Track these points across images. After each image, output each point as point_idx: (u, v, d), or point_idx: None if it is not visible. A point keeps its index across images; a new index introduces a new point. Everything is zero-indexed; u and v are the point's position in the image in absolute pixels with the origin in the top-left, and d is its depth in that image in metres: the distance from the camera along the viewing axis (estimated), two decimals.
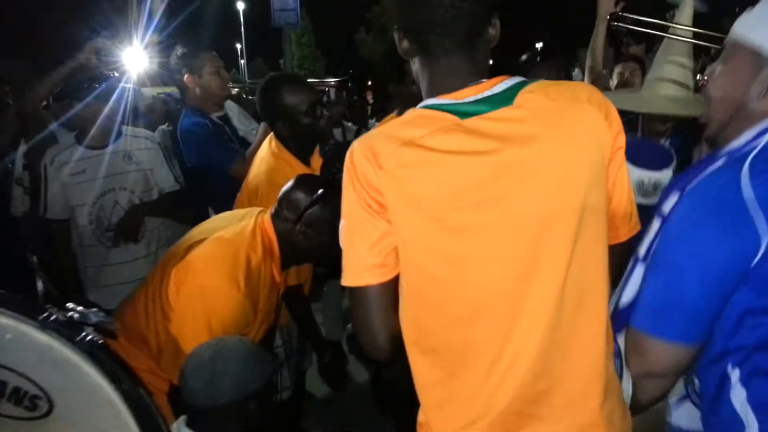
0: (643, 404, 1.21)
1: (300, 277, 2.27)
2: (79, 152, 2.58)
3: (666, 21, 2.50)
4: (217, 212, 2.32)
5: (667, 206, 1.17)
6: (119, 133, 2.65)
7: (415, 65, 1.17)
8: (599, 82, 2.69)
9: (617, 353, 1.19)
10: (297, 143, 2.43)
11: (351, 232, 1.12)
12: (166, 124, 3.45)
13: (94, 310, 0.97)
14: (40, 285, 3.01)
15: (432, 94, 1.12)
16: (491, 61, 1.21)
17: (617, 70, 3.50)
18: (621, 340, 1.20)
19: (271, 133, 2.49)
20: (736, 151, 1.13)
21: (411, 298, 1.11)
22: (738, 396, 1.08)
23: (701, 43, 2.32)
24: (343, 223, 1.13)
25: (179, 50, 3.11)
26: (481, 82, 1.10)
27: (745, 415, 1.06)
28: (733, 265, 1.05)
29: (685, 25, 2.33)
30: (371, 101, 4.55)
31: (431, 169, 1.06)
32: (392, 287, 1.12)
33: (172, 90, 3.96)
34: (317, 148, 2.59)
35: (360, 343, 1.18)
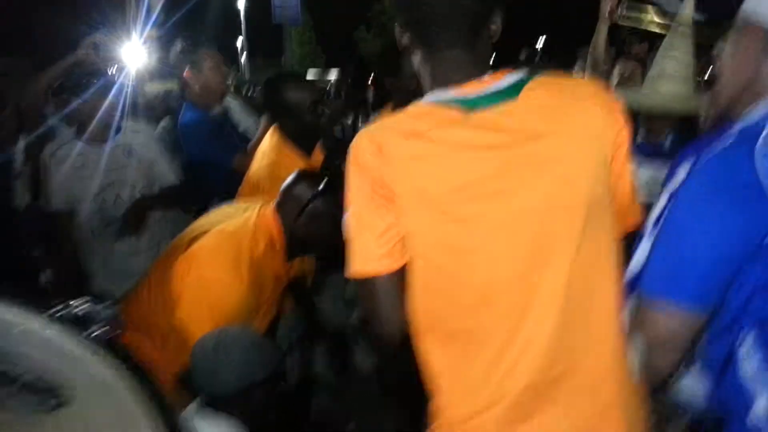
0: (651, 379, 1.19)
1: (303, 267, 2.28)
2: (78, 147, 2.58)
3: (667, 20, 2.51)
4: (217, 206, 2.33)
5: (676, 181, 1.17)
6: (119, 128, 2.65)
7: (417, 60, 1.17)
8: (599, 81, 2.70)
9: None
10: (299, 138, 2.45)
11: (358, 223, 1.12)
12: (167, 120, 3.45)
13: (101, 305, 0.98)
14: (43, 278, 3.00)
15: (435, 89, 1.13)
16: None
17: (618, 69, 3.51)
18: (624, 316, 1.20)
19: (273, 128, 2.51)
20: (749, 128, 1.13)
21: (420, 287, 1.12)
22: (746, 367, 1.07)
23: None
24: (348, 215, 1.13)
25: (179, 46, 3.11)
26: (486, 77, 1.11)
27: (754, 386, 1.06)
28: (745, 241, 1.05)
29: (686, 23, 2.34)
30: (371, 97, 4.57)
31: (436, 162, 1.07)
32: (400, 277, 1.12)
33: (172, 85, 3.96)
34: (319, 144, 2.60)
35: (370, 333, 1.18)
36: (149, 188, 2.68)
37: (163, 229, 2.67)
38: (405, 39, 1.16)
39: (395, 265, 1.11)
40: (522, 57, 4.60)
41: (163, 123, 3.60)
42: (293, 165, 2.19)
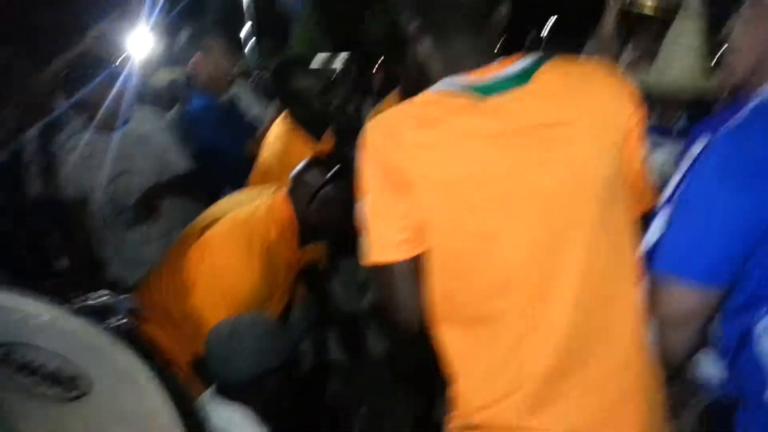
0: (667, 359, 1.19)
1: (314, 253, 2.29)
2: (88, 136, 2.58)
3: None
4: (228, 194, 2.34)
5: (689, 157, 1.16)
6: (129, 116, 2.65)
7: (424, 48, 1.16)
8: (610, 64, 2.67)
9: None
10: (309, 125, 2.45)
11: (373, 212, 1.12)
12: (176, 107, 3.45)
13: (120, 297, 0.99)
14: (57, 267, 3.02)
15: (446, 76, 1.12)
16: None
17: (627, 52, 3.47)
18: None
19: (283, 114, 2.51)
20: (763, 105, 1.11)
21: (437, 274, 1.12)
22: (764, 343, 1.07)
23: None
24: (363, 204, 1.13)
25: (186, 33, 3.10)
26: (497, 62, 1.11)
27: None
28: (758, 219, 1.04)
29: (696, 4, 2.32)
30: (378, 83, 4.55)
31: (450, 148, 1.07)
32: (416, 264, 1.12)
33: (179, 73, 3.96)
34: (328, 130, 2.60)
35: (387, 320, 1.18)
36: (160, 177, 2.68)
37: (174, 218, 2.68)
38: (413, 26, 1.16)
39: (411, 253, 1.11)
40: (529, 40, 4.55)
41: (172, 111, 3.60)
42: (303, 151, 2.20)
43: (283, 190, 1.92)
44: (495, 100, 1.07)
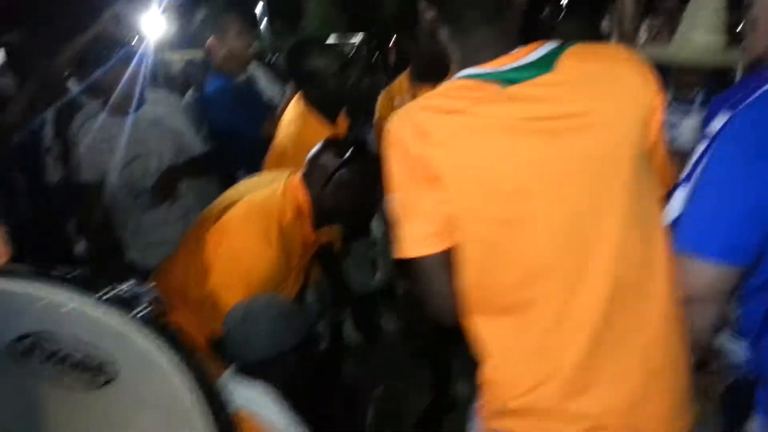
0: (689, 337, 1.18)
1: (330, 235, 2.30)
2: (104, 118, 2.59)
3: None
4: (244, 176, 2.34)
5: (714, 127, 1.14)
6: (144, 99, 2.65)
7: (443, 35, 1.15)
8: (627, 37, 2.64)
9: None
10: (324, 106, 2.44)
11: (404, 207, 1.12)
12: (192, 89, 3.45)
13: (146, 287, 1.01)
14: (77, 250, 3.06)
15: (467, 64, 1.12)
16: None
17: (646, 25, 3.42)
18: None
19: (298, 95, 2.50)
20: None
21: (471, 264, 1.12)
22: None
23: None
24: (393, 199, 1.13)
25: (201, 13, 3.09)
26: (519, 50, 1.10)
27: None
28: None
29: None
30: (392, 60, 4.52)
31: (478, 138, 1.06)
32: (449, 255, 1.12)
33: (194, 54, 3.95)
34: (343, 111, 2.60)
35: (427, 312, 1.18)
36: (176, 158, 2.69)
37: (191, 199, 2.70)
38: (430, 14, 1.15)
39: (443, 245, 1.11)
40: (544, 14, 4.47)
41: (188, 93, 3.61)
42: (318, 133, 2.19)
43: (299, 174, 1.92)
44: (519, 89, 1.06)
